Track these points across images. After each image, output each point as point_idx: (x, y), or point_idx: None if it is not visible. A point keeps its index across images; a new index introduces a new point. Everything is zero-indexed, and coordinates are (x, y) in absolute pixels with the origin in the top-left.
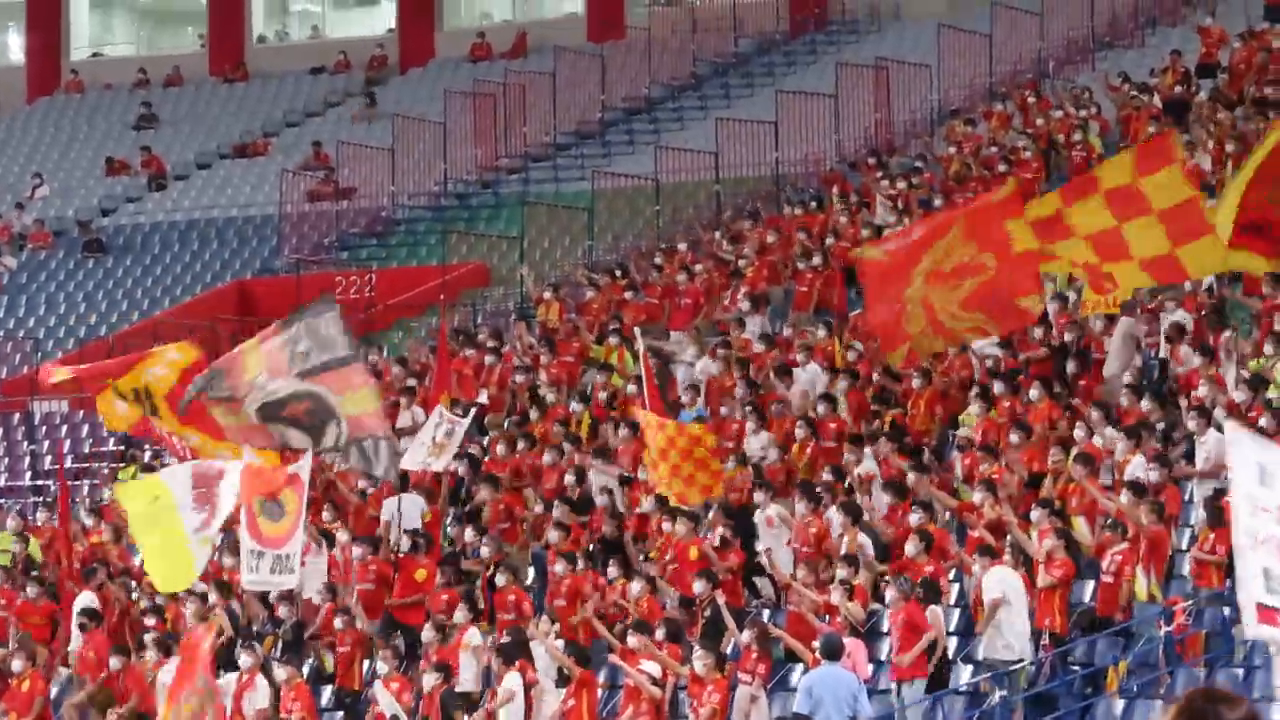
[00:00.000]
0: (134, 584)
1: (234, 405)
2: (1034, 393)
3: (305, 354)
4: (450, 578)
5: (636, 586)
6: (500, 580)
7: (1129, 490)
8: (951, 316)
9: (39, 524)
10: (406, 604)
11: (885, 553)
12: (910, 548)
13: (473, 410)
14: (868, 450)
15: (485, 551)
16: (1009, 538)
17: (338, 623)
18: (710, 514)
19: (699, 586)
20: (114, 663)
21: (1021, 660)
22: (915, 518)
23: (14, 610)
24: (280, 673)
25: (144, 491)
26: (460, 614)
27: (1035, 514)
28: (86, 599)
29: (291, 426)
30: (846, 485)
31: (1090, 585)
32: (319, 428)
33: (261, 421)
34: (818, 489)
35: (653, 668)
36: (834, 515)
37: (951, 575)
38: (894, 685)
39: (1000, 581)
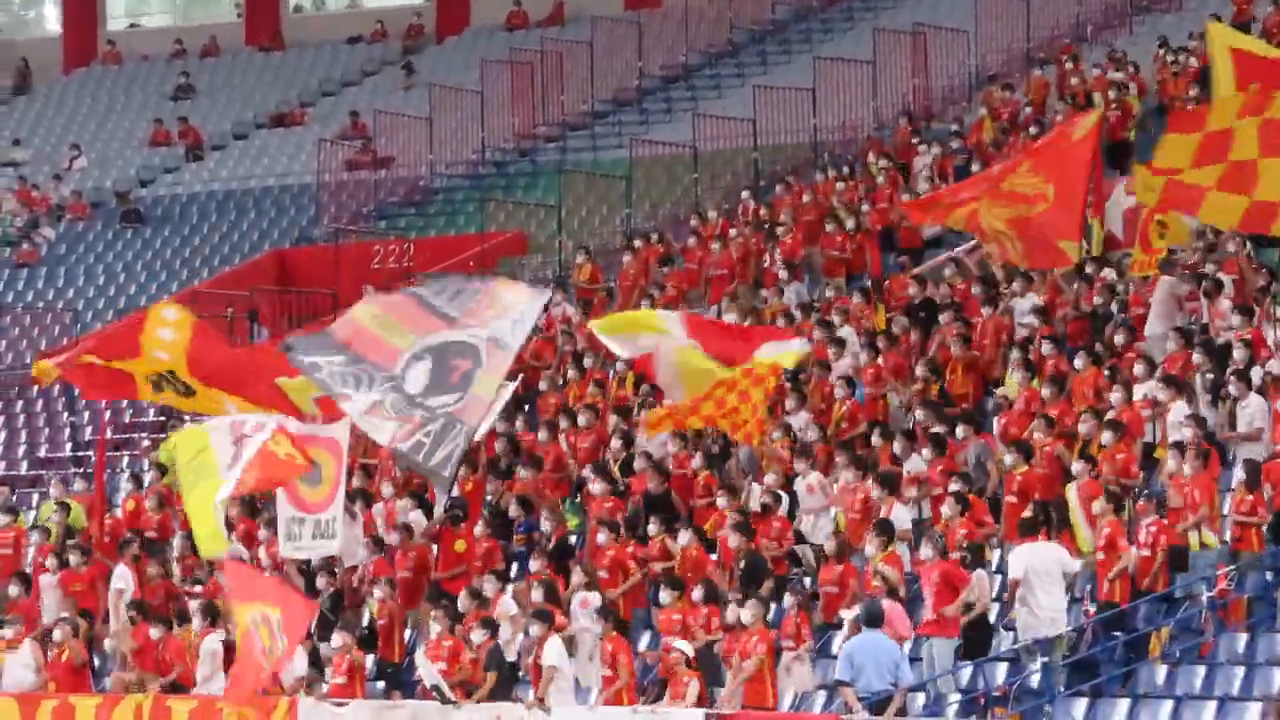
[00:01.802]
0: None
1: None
2: (1079, 361)
3: (453, 300)
4: (494, 530)
5: (685, 536)
6: (533, 565)
7: (1174, 449)
8: (992, 224)
9: (78, 492)
10: (450, 577)
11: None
12: (946, 509)
13: (520, 377)
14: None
15: (546, 526)
16: (1032, 506)
17: (377, 592)
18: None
19: (734, 540)
20: (154, 633)
21: (1058, 630)
22: (955, 485)
23: (59, 579)
24: (336, 639)
25: (193, 443)
26: (490, 585)
27: (1077, 466)
28: (121, 573)
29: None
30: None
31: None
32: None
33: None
34: (861, 454)
35: (686, 647)
36: (876, 493)
37: (994, 540)
38: (926, 640)
39: (1023, 560)
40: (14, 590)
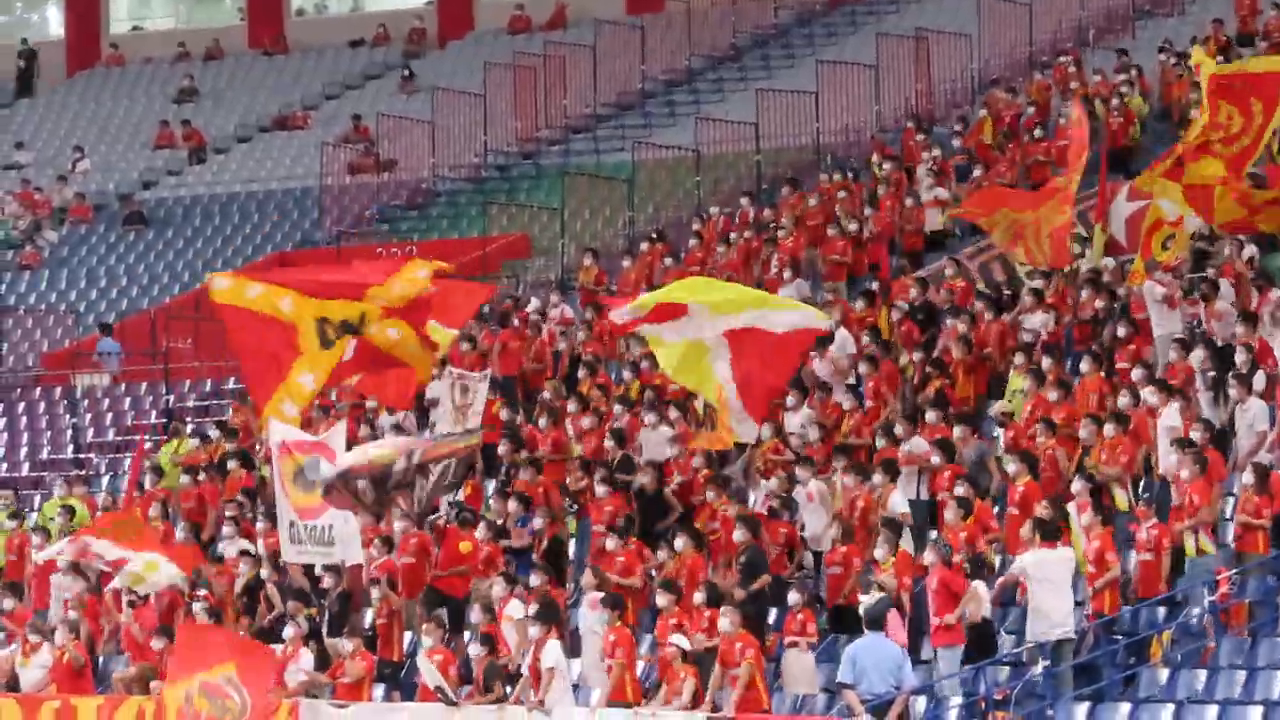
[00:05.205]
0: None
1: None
2: (1084, 365)
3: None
4: (496, 534)
5: (681, 542)
6: (534, 580)
7: (1177, 446)
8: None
9: (83, 494)
10: (450, 575)
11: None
12: (949, 514)
13: (488, 372)
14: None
15: (538, 524)
16: (1037, 512)
17: (375, 593)
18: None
19: (739, 535)
20: (156, 643)
21: (1067, 634)
22: (960, 489)
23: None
24: (346, 645)
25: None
26: (499, 587)
27: (1076, 485)
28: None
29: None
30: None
31: (1133, 561)
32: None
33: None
34: (864, 463)
35: (682, 641)
36: (876, 479)
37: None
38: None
39: (1030, 563)
40: (14, 598)
